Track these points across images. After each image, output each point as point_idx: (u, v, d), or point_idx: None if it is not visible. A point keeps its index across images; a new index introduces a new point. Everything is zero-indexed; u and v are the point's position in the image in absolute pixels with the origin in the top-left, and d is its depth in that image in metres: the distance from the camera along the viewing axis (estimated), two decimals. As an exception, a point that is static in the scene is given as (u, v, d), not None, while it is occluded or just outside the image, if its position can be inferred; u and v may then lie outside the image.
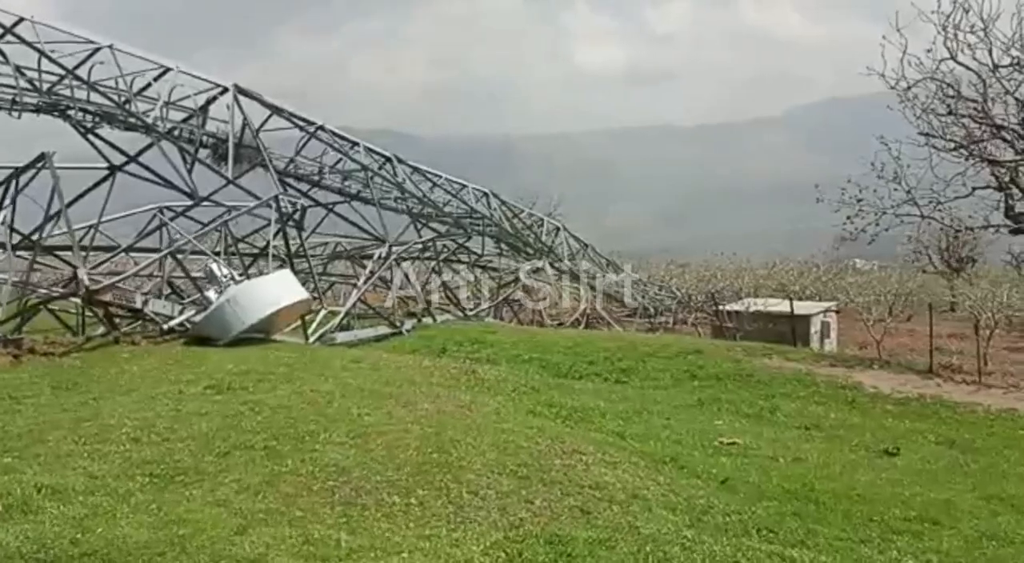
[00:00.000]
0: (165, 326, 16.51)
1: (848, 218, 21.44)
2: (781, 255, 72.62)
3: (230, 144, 21.56)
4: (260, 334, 16.49)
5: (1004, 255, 59.38)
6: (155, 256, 20.42)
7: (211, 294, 16.61)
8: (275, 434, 9.11)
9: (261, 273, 29.00)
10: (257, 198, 21.10)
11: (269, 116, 24.63)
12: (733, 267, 58.34)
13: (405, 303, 28.91)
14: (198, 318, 16.38)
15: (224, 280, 16.73)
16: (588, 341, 22.38)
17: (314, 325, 22.27)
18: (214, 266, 17.17)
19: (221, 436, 9.02)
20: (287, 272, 18.06)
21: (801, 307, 28.50)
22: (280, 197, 20.75)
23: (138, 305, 17.08)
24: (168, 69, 21.11)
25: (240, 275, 18.10)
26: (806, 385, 17.46)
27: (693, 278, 54.90)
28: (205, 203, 22.67)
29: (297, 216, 21.99)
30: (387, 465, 8.14)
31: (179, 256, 20.70)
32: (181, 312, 17.11)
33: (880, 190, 21.43)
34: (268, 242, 20.93)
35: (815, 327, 28.94)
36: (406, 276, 27.72)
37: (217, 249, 21.90)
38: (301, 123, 25.73)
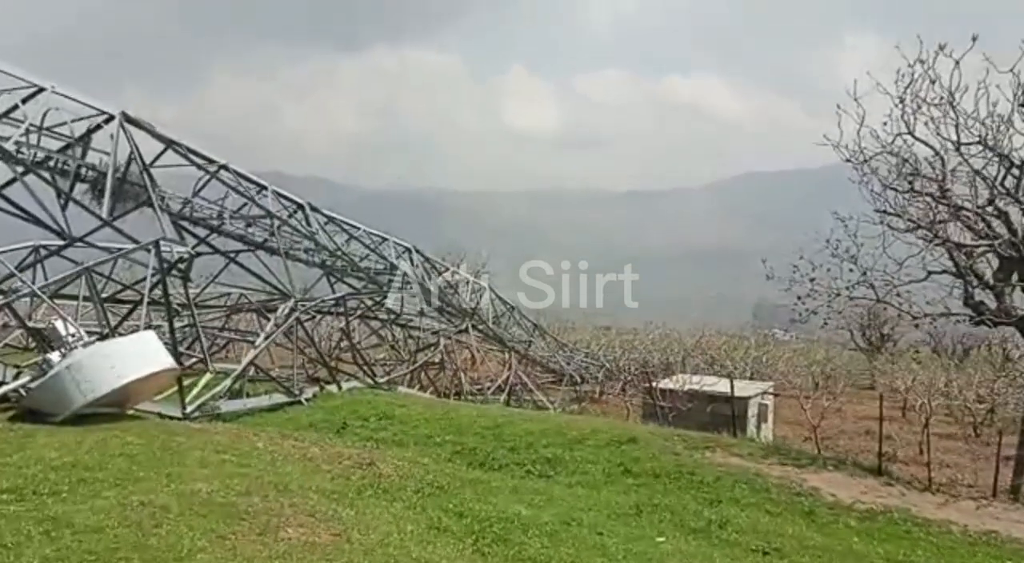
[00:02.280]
0: (-12, 396, 13.39)
1: (799, 298, 19.62)
2: (707, 324, 71.70)
3: (109, 179, 18.65)
4: (113, 408, 13.51)
5: (922, 334, 58.93)
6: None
7: (54, 357, 13.54)
8: (56, 586, 6.35)
9: (150, 327, 26.11)
10: (136, 242, 18.19)
11: (163, 150, 21.79)
12: (660, 334, 56.86)
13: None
14: (35, 385, 13.30)
15: (70, 340, 13.68)
16: (510, 422, 19.84)
17: (196, 390, 19.30)
18: (58, 323, 14.05)
19: (-28, 590, 6.23)
20: (149, 334, 15.05)
21: (738, 387, 26.49)
22: (162, 242, 17.85)
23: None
24: (41, 89, 18.16)
25: (93, 334, 15.01)
26: (756, 489, 15.21)
27: (618, 344, 53.13)
28: (80, 244, 19.77)
29: (183, 265, 19.08)
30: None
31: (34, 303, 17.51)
32: (16, 376, 14.01)
33: (833, 269, 19.76)
34: (143, 295, 17.91)
35: (752, 410, 26.97)
36: (309, 337, 24.87)
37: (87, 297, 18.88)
38: (201, 161, 22.94)
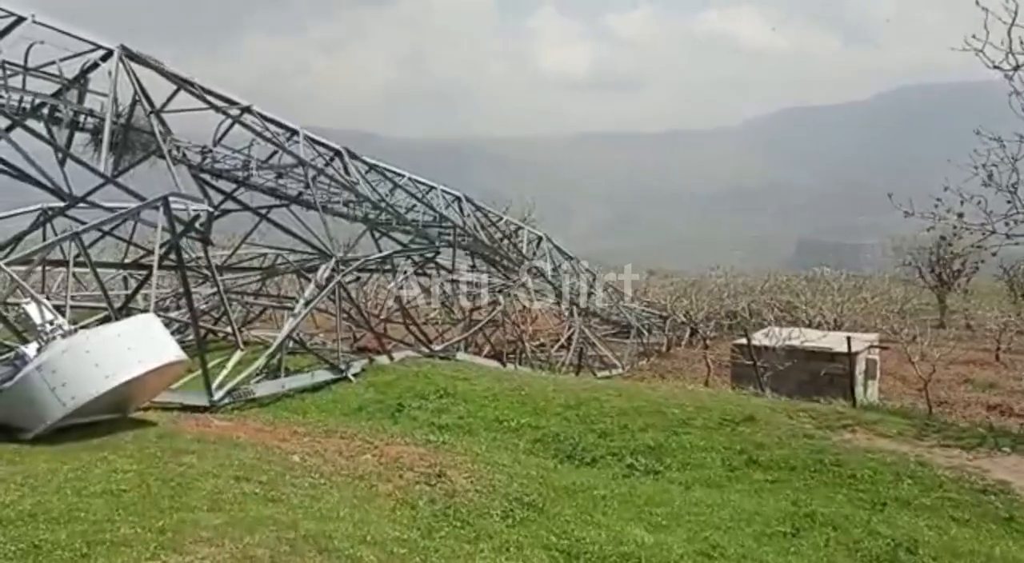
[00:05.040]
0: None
1: (943, 238, 16.10)
2: (747, 264, 67.30)
3: (107, 126, 15.57)
4: (109, 414, 10.58)
5: (992, 269, 54.56)
6: None
7: (30, 350, 10.60)
8: None
9: (177, 296, 23.33)
10: (142, 199, 15.12)
11: (175, 92, 18.62)
12: (726, 279, 52.69)
13: None
14: (2, 390, 10.34)
15: (48, 330, 10.70)
16: (594, 397, 16.70)
17: (225, 372, 16.40)
18: (31, 307, 11.05)
19: None
20: (149, 317, 11.99)
21: (841, 341, 22.95)
22: (173, 198, 14.81)
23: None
24: (19, 19, 14.97)
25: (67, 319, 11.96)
26: (927, 486, 11.90)
27: (674, 292, 49.55)
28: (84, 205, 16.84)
29: (200, 224, 16.04)
30: None
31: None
32: (-12, 377, 11.12)
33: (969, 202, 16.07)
34: (153, 264, 14.90)
35: (860, 367, 23.51)
36: (353, 301, 21.78)
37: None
38: (221, 103, 19.80)
